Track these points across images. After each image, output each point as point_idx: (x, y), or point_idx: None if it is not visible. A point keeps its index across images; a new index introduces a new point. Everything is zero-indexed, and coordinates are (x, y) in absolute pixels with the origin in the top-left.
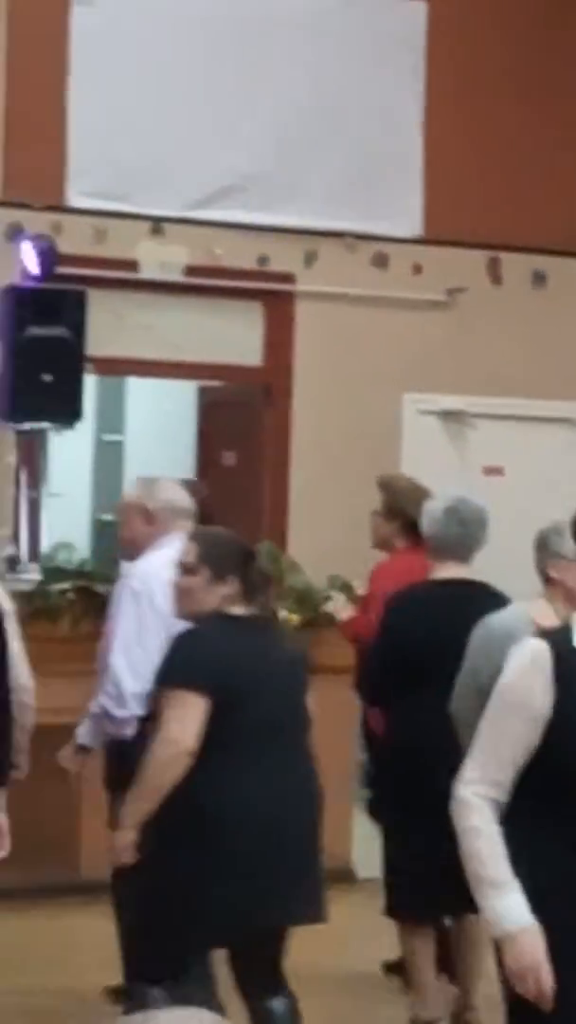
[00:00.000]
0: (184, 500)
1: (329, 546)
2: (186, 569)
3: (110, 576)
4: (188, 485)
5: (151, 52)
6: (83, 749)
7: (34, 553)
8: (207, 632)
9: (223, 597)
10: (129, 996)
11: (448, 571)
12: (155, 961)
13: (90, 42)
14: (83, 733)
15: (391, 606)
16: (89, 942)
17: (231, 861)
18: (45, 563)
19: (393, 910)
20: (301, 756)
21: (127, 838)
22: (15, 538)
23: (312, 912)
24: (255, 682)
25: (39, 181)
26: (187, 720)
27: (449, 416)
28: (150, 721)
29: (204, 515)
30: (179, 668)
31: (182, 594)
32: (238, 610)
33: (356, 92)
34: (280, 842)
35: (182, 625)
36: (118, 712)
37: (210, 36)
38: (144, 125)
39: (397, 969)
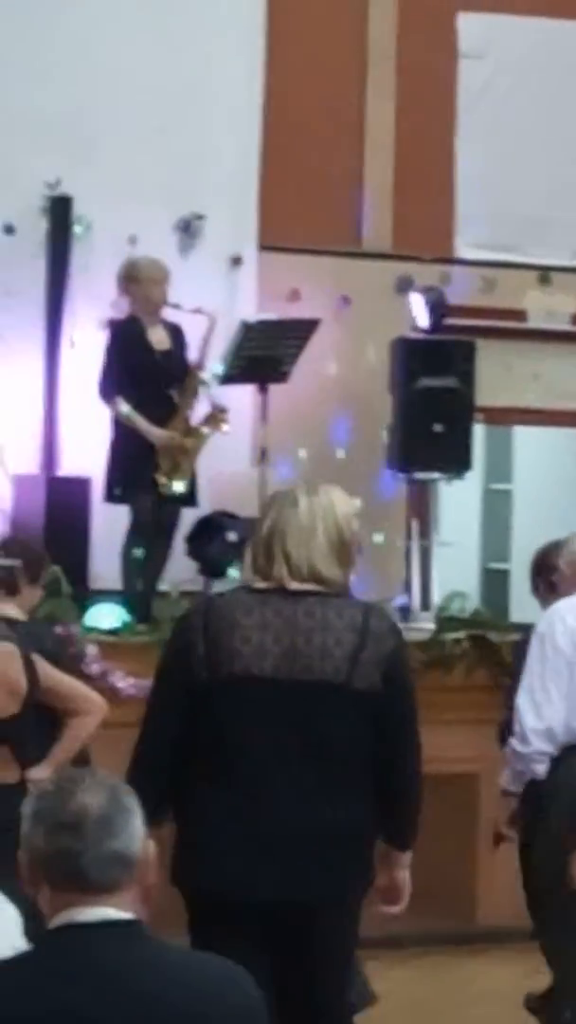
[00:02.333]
0: None
1: None
2: None
3: (503, 625)
4: None
5: (537, 102)
6: (507, 793)
7: (425, 602)
8: None
9: None
10: None
11: None
12: None
13: (477, 94)
14: (503, 778)
15: None
16: (487, 992)
17: None
18: (439, 612)
19: None
20: None
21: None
22: (407, 587)
23: None
24: None
25: (428, 234)
26: None
27: None
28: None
29: None
30: None
31: None
32: None
33: None
34: None
35: None
36: (521, 748)
37: None
38: (531, 175)
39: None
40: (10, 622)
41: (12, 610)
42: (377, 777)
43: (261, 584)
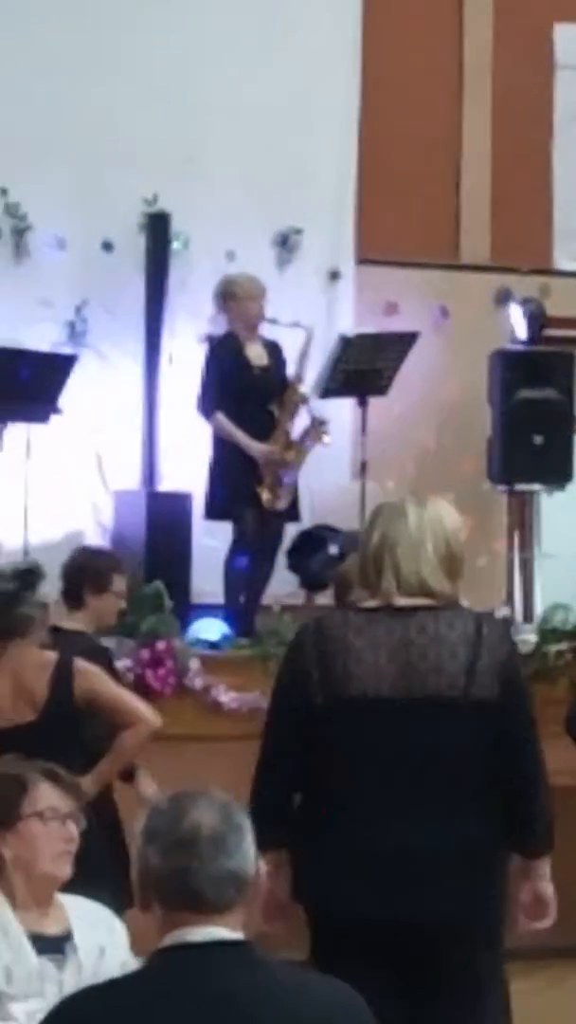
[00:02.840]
0: None
1: None
2: None
3: None
4: None
5: None
6: None
7: (528, 614)
8: None
9: None
10: None
11: None
12: None
13: (573, 105)
14: None
15: None
16: None
17: None
18: (542, 624)
19: None
20: None
21: None
22: (509, 599)
23: None
24: None
25: (526, 245)
26: None
27: None
28: None
29: None
30: None
31: None
32: None
33: None
34: None
35: None
36: None
37: None
38: None
39: None
40: (66, 633)
41: (74, 623)
42: (499, 788)
43: (370, 603)
